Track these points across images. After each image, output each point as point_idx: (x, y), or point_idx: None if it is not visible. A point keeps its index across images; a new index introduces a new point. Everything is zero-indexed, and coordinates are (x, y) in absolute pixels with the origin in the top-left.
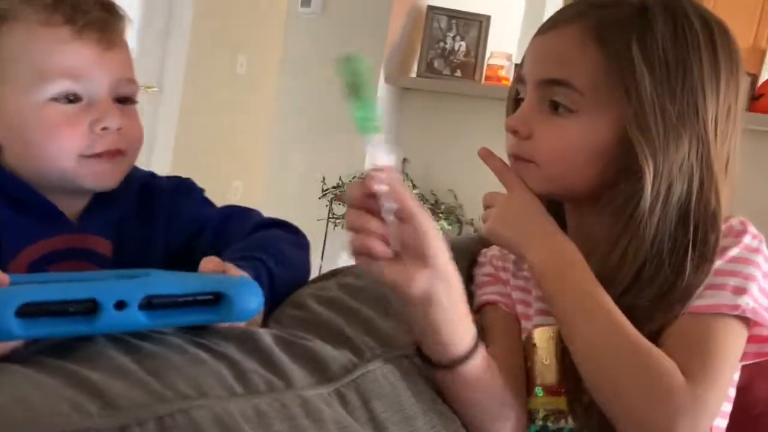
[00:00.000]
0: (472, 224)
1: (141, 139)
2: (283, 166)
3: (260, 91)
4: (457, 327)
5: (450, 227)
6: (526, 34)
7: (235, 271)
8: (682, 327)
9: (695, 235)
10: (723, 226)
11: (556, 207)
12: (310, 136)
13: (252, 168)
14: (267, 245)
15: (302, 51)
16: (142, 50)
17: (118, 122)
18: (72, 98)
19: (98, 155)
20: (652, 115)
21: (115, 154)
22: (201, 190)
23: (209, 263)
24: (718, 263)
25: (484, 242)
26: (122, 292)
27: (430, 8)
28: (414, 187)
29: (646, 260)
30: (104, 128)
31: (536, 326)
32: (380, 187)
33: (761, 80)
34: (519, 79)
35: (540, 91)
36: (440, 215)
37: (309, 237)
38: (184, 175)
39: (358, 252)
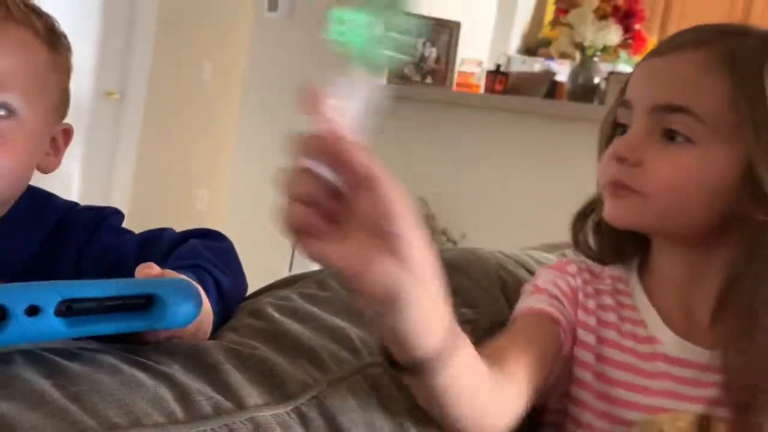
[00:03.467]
0: (444, 234)
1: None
2: (251, 173)
3: (226, 97)
4: (428, 333)
5: None
6: (497, 40)
7: (174, 276)
8: None
9: None
10: None
11: (639, 240)
12: (277, 142)
13: (218, 176)
14: (200, 254)
15: (268, 56)
16: (103, 55)
17: None
18: None
19: None
20: None
21: None
22: (118, 218)
23: (146, 268)
24: None
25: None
26: (34, 296)
27: None
28: None
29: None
30: None
31: (664, 410)
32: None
33: None
34: (623, 103)
35: (653, 117)
36: None
37: (277, 246)
38: (146, 186)
39: (294, 227)
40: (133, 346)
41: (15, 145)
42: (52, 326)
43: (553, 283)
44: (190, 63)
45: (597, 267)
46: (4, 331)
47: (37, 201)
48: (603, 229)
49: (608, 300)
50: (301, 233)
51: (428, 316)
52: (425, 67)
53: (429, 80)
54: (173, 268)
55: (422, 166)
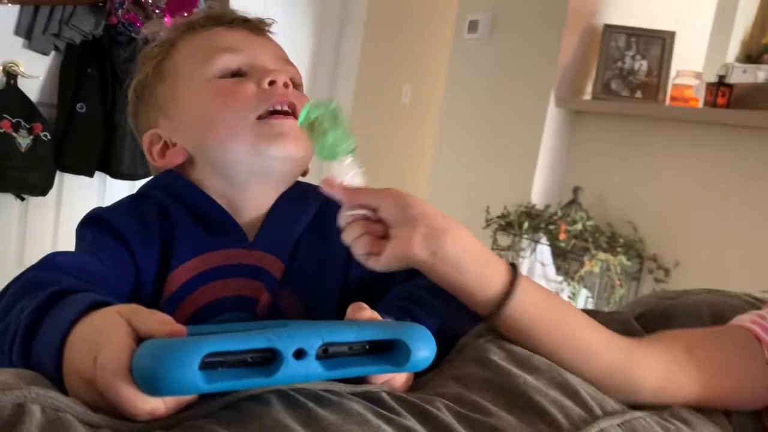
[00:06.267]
0: (654, 260)
1: None
2: (447, 195)
3: (425, 119)
4: (481, 268)
5: (629, 263)
6: (714, 50)
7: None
8: None
9: None
10: None
11: None
12: (475, 164)
13: None
14: (417, 297)
15: (468, 78)
16: (313, 84)
17: (285, 77)
18: (234, 74)
19: (274, 113)
20: None
21: (289, 111)
22: None
23: (358, 310)
24: None
25: None
26: (301, 340)
27: (607, 27)
28: (588, 218)
29: None
30: (272, 82)
31: None
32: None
33: None
34: None
35: None
36: (618, 250)
37: None
38: None
39: (363, 255)
40: (369, 393)
41: None
42: (314, 368)
43: None
44: (391, 87)
45: None
46: (276, 373)
47: (303, 187)
48: None
49: None
50: (366, 257)
51: (471, 254)
52: (634, 81)
53: (639, 95)
54: (386, 311)
55: (630, 187)
